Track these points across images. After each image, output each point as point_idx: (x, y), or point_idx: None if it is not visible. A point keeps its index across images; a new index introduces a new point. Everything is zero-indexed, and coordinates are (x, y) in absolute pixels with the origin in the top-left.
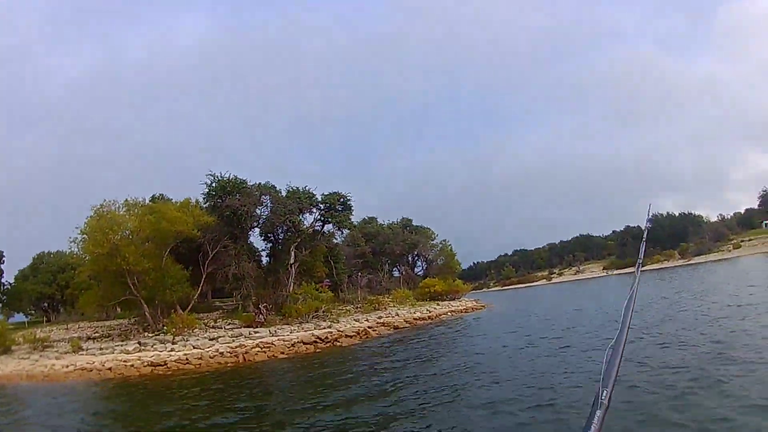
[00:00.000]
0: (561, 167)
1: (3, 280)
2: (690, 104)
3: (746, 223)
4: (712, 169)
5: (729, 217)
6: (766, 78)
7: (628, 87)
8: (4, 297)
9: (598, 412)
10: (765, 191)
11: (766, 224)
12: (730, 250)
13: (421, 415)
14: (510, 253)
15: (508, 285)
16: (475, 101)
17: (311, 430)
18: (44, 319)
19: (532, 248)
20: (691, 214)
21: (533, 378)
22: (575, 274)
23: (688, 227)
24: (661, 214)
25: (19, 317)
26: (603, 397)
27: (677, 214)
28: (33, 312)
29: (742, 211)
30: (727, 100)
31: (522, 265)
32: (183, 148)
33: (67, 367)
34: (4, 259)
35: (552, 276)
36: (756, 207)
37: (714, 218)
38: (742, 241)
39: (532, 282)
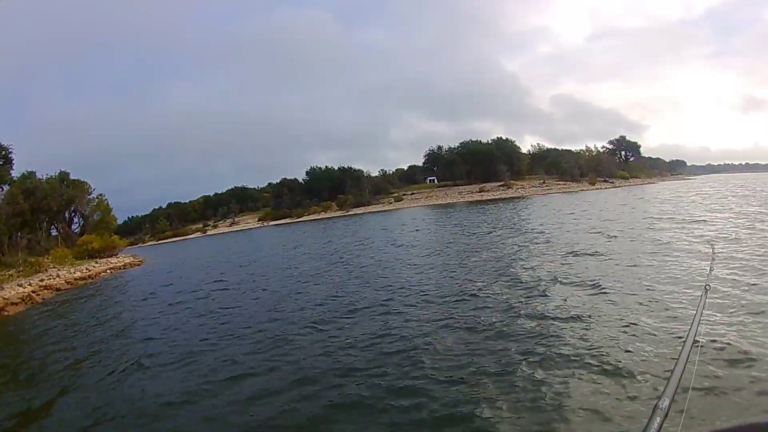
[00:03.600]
0: (215, 123)
1: None
2: (356, 69)
3: (409, 178)
4: (372, 129)
5: (391, 172)
6: (428, 53)
7: (292, 48)
8: None
9: (658, 419)
10: (431, 150)
11: (429, 180)
12: (391, 203)
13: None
14: (164, 206)
15: (163, 239)
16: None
17: None
18: None
19: (187, 201)
20: (351, 168)
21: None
22: (230, 225)
23: (347, 180)
24: (319, 168)
25: None
26: (663, 406)
27: (336, 168)
28: None
29: (405, 168)
30: (393, 68)
31: (177, 219)
32: None
33: None
34: None
35: (207, 228)
36: (420, 164)
37: (375, 173)
38: (404, 194)
39: (187, 235)
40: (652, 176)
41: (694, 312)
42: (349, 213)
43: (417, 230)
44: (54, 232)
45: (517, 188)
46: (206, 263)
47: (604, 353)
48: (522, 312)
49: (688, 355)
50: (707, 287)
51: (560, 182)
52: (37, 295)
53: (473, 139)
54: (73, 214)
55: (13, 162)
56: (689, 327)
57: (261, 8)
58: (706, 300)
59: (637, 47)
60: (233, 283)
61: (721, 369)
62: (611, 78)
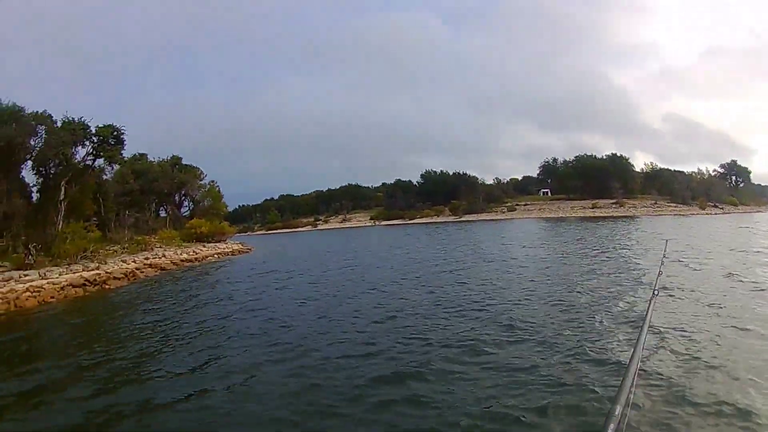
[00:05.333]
0: (326, 121)
1: None
2: (465, 76)
3: (523, 189)
4: (481, 137)
5: (505, 181)
6: (535, 62)
7: (402, 51)
8: None
9: (612, 426)
10: (546, 162)
11: (542, 192)
12: (504, 212)
13: (190, 345)
14: (276, 197)
15: (273, 229)
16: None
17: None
18: None
19: (299, 195)
20: (466, 174)
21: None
22: (342, 222)
23: (461, 186)
24: (435, 171)
25: None
26: (616, 413)
27: (451, 173)
28: None
29: (520, 178)
30: (501, 76)
31: (288, 211)
32: None
33: None
34: None
35: (318, 222)
36: (535, 176)
37: (489, 181)
38: (517, 204)
39: (297, 228)
40: (761, 204)
41: None
42: (462, 219)
43: (539, 245)
44: (163, 214)
45: (629, 207)
46: (317, 257)
47: None
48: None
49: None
50: None
51: (671, 204)
52: (141, 272)
53: (588, 154)
54: (183, 198)
55: (125, 143)
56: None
57: (371, 9)
58: None
59: (747, 68)
60: (339, 279)
61: None
62: (719, 98)
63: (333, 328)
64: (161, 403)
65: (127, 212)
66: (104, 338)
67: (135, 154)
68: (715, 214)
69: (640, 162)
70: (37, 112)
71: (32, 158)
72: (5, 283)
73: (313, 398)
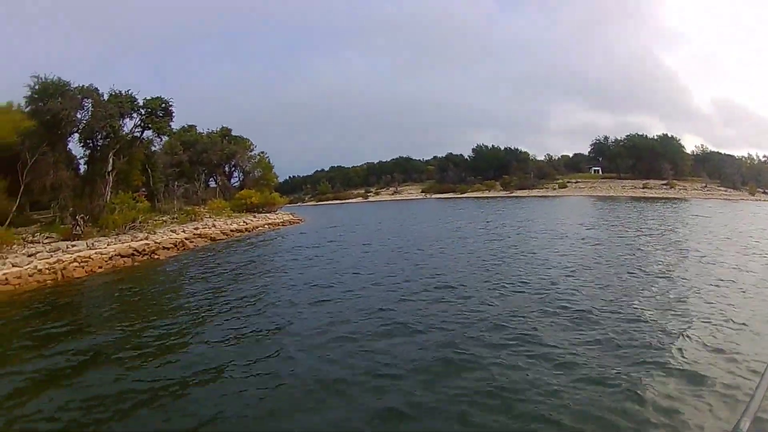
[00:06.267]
0: (374, 96)
1: None
2: (510, 53)
3: (573, 166)
4: (530, 115)
5: (557, 158)
6: (581, 40)
7: (461, 30)
8: None
9: None
10: (597, 140)
11: (593, 170)
12: (555, 188)
13: (244, 315)
14: (327, 169)
15: (324, 200)
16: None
17: (145, 341)
18: None
19: (350, 166)
20: (518, 149)
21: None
22: (393, 194)
23: (512, 162)
24: (486, 146)
25: None
26: (742, 427)
27: (502, 148)
28: None
29: (571, 155)
30: (547, 54)
31: (339, 182)
32: None
33: None
34: None
35: (369, 194)
36: (585, 153)
37: (540, 158)
38: (569, 181)
39: (348, 199)
40: None
41: None
42: (513, 194)
43: (606, 225)
44: (213, 184)
45: (679, 189)
46: (369, 228)
47: None
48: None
49: None
50: None
51: (721, 188)
52: (191, 242)
53: (639, 133)
54: (233, 169)
55: (174, 115)
56: None
57: None
58: None
59: None
60: (393, 251)
61: None
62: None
63: (388, 299)
64: (214, 367)
65: (176, 183)
66: (154, 306)
67: (184, 126)
68: (764, 200)
69: (689, 145)
70: (83, 85)
71: (79, 131)
72: (53, 253)
73: (370, 365)
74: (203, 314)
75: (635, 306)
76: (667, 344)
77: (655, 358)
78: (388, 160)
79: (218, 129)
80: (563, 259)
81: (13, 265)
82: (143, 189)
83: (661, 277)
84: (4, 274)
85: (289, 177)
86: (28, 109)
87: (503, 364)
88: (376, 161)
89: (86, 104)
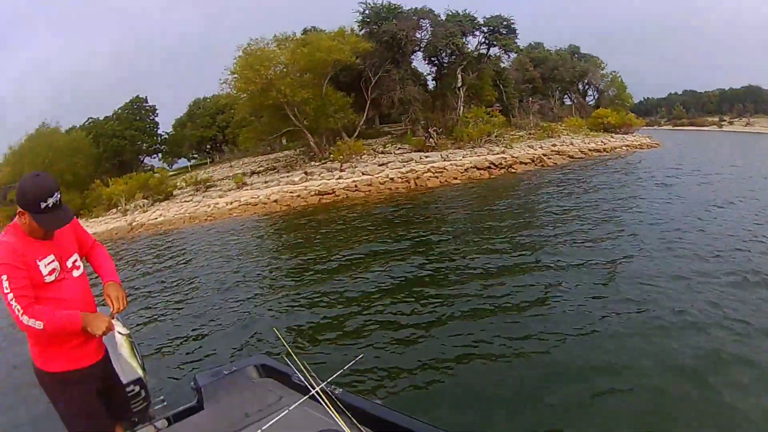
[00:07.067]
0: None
1: (160, 131)
2: None
3: None
4: None
5: None
6: None
7: None
8: (163, 146)
9: None
10: None
11: None
12: None
13: (607, 236)
14: (680, 92)
15: (679, 126)
16: None
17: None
18: (208, 160)
19: (702, 91)
20: None
21: None
22: (745, 126)
23: None
24: None
25: (182, 162)
26: None
27: None
28: (196, 156)
29: None
30: None
31: (692, 107)
32: None
33: (231, 204)
34: (158, 112)
35: (723, 123)
36: None
37: None
38: None
39: (702, 126)
40: None
41: None
42: None
43: None
44: (567, 102)
45: None
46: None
47: None
48: None
49: None
50: None
51: None
52: (548, 158)
53: None
54: (586, 87)
55: (517, 32)
56: None
57: None
58: None
59: None
60: None
61: None
62: None
63: None
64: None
65: (530, 99)
66: (511, 215)
67: (531, 43)
68: None
69: None
70: (417, 7)
71: (421, 49)
72: (405, 163)
73: None
74: (559, 230)
75: None
76: None
77: None
78: (739, 87)
79: (566, 47)
80: None
81: (363, 174)
82: (497, 104)
83: None
84: (353, 181)
85: (643, 98)
86: (362, 32)
87: None
88: (726, 87)
89: (424, 24)
